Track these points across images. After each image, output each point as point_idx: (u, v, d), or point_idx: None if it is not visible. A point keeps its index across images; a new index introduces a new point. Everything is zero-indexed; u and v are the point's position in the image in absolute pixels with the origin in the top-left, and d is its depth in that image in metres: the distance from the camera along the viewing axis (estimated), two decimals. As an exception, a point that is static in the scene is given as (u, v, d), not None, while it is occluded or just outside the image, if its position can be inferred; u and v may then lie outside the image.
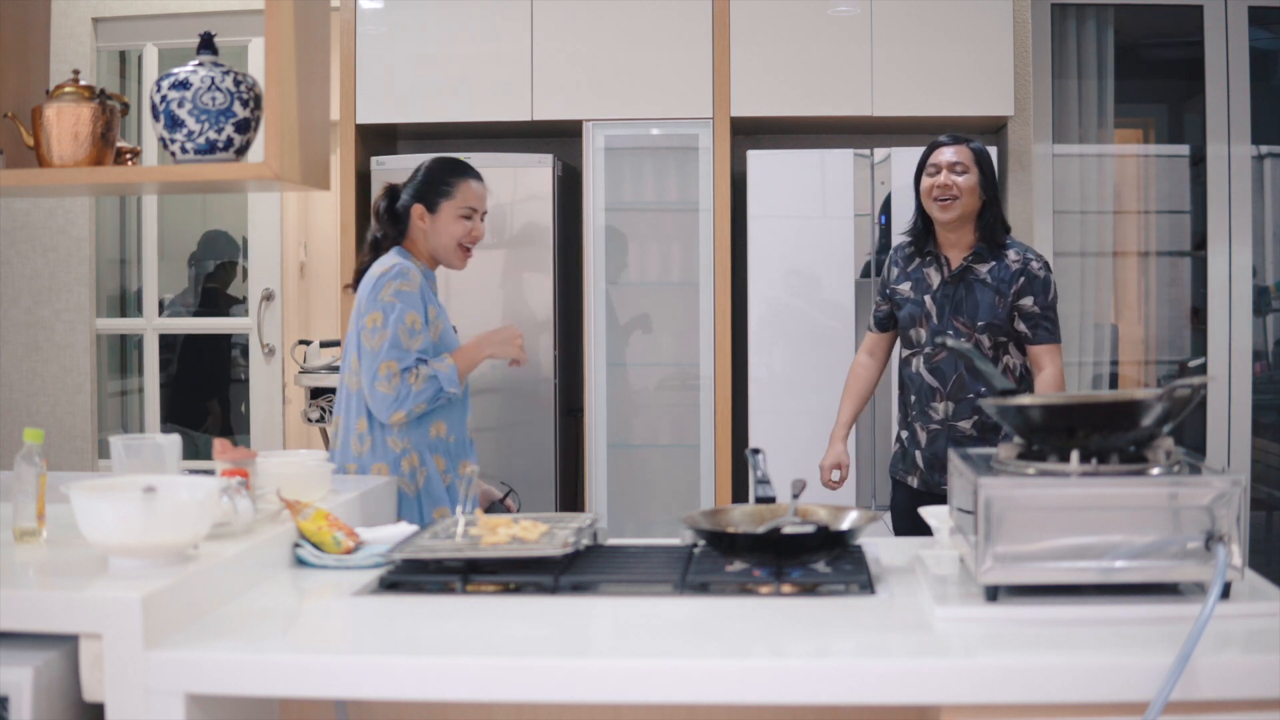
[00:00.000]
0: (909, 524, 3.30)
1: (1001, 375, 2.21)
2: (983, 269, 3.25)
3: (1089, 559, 1.78)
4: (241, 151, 2.58)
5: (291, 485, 2.37)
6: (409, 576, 2.04)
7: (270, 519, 2.27)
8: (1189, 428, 4.91)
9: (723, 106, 4.45)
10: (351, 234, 4.59)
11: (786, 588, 1.97)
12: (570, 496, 4.78)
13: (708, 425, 4.49)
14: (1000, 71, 4.40)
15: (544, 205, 4.57)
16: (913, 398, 3.35)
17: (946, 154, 3.26)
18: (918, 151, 3.38)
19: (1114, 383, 5.12)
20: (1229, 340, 4.87)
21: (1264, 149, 4.96)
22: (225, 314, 5.64)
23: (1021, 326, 3.23)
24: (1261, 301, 5.01)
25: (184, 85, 2.51)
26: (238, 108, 2.53)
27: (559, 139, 4.82)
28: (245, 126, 2.56)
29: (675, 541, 2.26)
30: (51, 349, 5.09)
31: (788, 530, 2.04)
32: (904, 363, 3.38)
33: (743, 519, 2.19)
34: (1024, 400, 1.98)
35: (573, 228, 4.70)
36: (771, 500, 2.21)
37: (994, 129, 4.69)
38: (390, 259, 3.02)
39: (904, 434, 3.41)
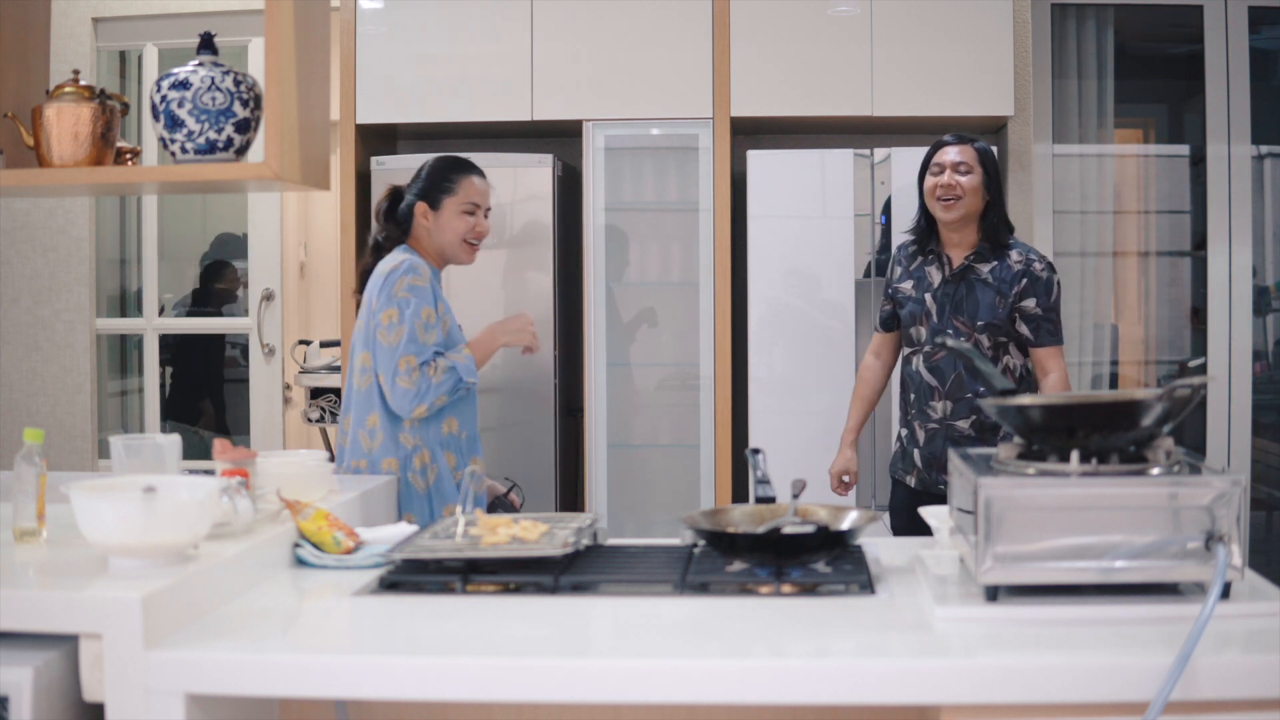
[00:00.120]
0: (907, 523, 3.30)
1: (1001, 375, 2.21)
2: (984, 269, 3.25)
3: (1089, 559, 1.78)
4: (241, 151, 2.58)
5: (291, 485, 2.37)
6: (409, 576, 2.04)
7: (270, 519, 2.27)
8: (1189, 428, 4.91)
9: (723, 106, 4.45)
10: (352, 234, 4.59)
11: (786, 588, 1.97)
12: (570, 496, 4.78)
13: (708, 425, 4.49)
14: (1000, 71, 4.40)
15: (544, 205, 4.57)
16: (912, 396, 3.35)
17: (950, 153, 3.25)
18: (917, 151, 3.38)
19: (1114, 383, 5.12)
20: (1229, 340, 4.87)
21: (1264, 149, 4.96)
22: (219, 313, 5.65)
23: (1023, 329, 3.23)
24: (1261, 301, 5.01)
25: (184, 85, 2.52)
26: (238, 108, 2.54)
27: (559, 139, 4.82)
28: (245, 126, 2.56)
29: (675, 541, 2.26)
30: (51, 349, 5.09)
31: (788, 530, 2.04)
32: (905, 361, 3.39)
33: (743, 519, 2.19)
34: (1024, 400, 1.98)
35: (573, 228, 4.70)
36: (771, 500, 2.21)
37: (994, 129, 4.69)
38: (398, 255, 3.02)
39: (903, 432, 3.42)
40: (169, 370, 5.72)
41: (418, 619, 1.89)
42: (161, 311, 5.42)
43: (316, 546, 2.20)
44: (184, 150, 2.54)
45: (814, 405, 4.39)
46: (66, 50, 4.91)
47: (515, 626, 1.84)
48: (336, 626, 1.93)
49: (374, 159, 4.58)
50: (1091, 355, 4.98)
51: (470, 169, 3.13)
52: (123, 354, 5.62)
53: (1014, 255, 3.26)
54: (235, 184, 3.07)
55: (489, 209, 3.15)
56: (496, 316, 4.53)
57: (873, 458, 4.38)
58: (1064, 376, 3.25)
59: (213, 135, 2.52)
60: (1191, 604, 1.79)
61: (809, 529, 2.06)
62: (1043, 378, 3.25)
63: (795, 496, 2.17)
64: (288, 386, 5.34)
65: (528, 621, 1.86)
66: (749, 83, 4.45)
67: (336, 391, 5.04)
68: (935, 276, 3.30)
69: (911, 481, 3.36)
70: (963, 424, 3.25)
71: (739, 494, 4.47)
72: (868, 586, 1.97)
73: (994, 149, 3.39)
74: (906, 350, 3.38)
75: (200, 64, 2.54)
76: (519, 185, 4.58)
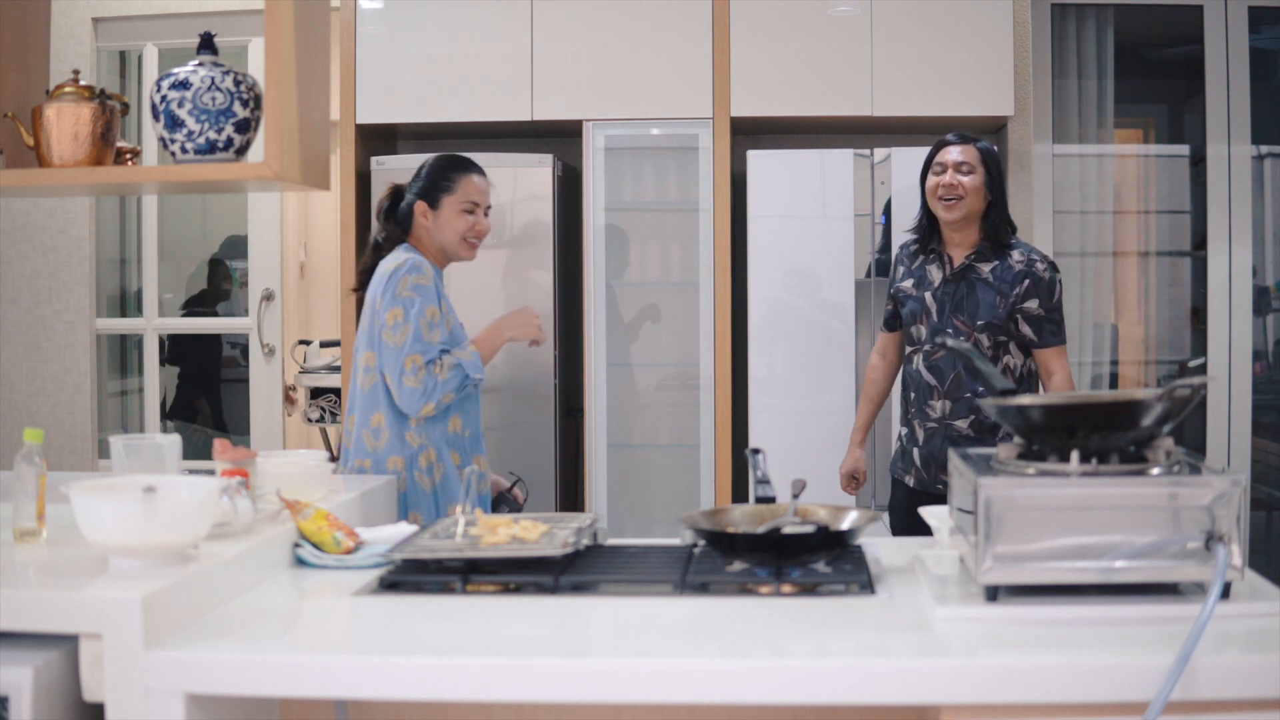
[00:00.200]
0: (906, 523, 3.30)
1: (1001, 375, 2.21)
2: (985, 268, 3.25)
3: (1089, 559, 1.78)
4: (241, 151, 2.58)
5: (291, 485, 2.37)
6: (409, 576, 2.04)
7: (270, 519, 2.27)
8: (1189, 428, 4.91)
9: (723, 106, 4.45)
10: (352, 234, 4.59)
11: (786, 588, 1.97)
12: (570, 496, 4.78)
13: (708, 425, 4.49)
14: (1000, 71, 4.40)
15: (544, 205, 4.57)
16: (912, 395, 3.35)
17: (953, 153, 3.25)
18: (917, 151, 3.38)
19: (1114, 383, 5.12)
20: (1229, 340, 4.87)
21: (1264, 149, 4.96)
22: (214, 312, 5.66)
23: (1027, 330, 3.23)
24: (1261, 301, 5.01)
25: (184, 85, 2.52)
26: (238, 108, 2.54)
27: (559, 139, 4.82)
28: (245, 126, 2.56)
29: (675, 541, 2.26)
30: (51, 349, 5.09)
31: (788, 530, 2.04)
32: (906, 360, 3.39)
33: (743, 519, 2.19)
34: (1024, 400, 1.98)
35: (573, 228, 4.70)
36: (771, 500, 2.21)
37: (994, 129, 4.69)
38: (400, 254, 3.02)
39: (903, 432, 3.42)
40: (176, 370, 5.73)
41: (418, 619, 1.89)
42: (166, 311, 5.42)
43: (316, 546, 2.20)
44: (184, 150, 2.54)
45: (814, 405, 4.39)
46: (66, 50, 4.91)
47: (515, 626, 1.84)
48: (336, 626, 1.93)
49: (374, 159, 4.58)
50: (1091, 355, 4.98)
51: (469, 167, 3.13)
52: (123, 354, 5.62)
53: (1016, 255, 3.26)
54: (235, 184, 3.07)
55: (489, 207, 3.15)
56: (497, 316, 4.54)
57: (873, 457, 4.38)
58: (1068, 377, 3.26)
59: (213, 135, 2.52)
60: (1191, 604, 1.79)
61: (809, 529, 2.06)
62: (1047, 379, 3.26)
63: (795, 496, 2.17)
64: (293, 388, 5.34)
65: (528, 621, 1.86)
66: (749, 83, 4.45)
67: (336, 391, 5.04)
68: (936, 275, 3.30)
69: (910, 481, 3.36)
70: (961, 424, 3.25)
71: (739, 494, 4.47)
72: (868, 586, 1.97)
73: (996, 148, 3.38)
74: (908, 349, 3.38)
75: (200, 64, 2.54)
76: (519, 185, 4.58)
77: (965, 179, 3.23)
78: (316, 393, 5.13)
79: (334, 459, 2.94)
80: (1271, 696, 1.61)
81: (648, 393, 4.60)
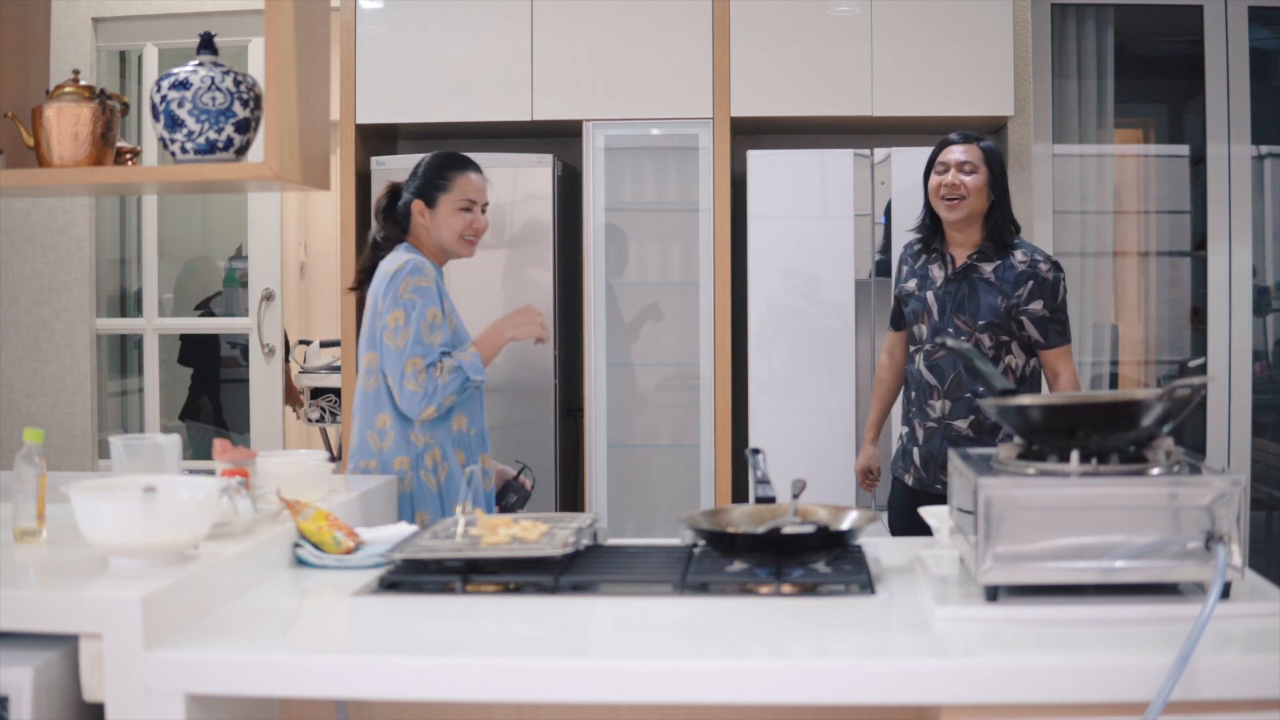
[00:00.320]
0: (905, 522, 3.30)
1: (1001, 375, 2.21)
2: (987, 268, 3.25)
3: (1089, 559, 1.78)
4: (241, 151, 2.58)
5: (291, 485, 2.37)
6: (409, 576, 2.04)
7: (270, 519, 2.27)
8: (1189, 428, 4.91)
9: (723, 106, 4.45)
10: (352, 234, 4.59)
11: (786, 588, 1.97)
12: (570, 496, 4.78)
13: (708, 425, 4.49)
14: (1000, 71, 4.40)
15: (544, 205, 4.57)
16: (913, 395, 3.36)
17: (955, 153, 3.25)
18: (917, 151, 3.39)
19: (1114, 383, 5.11)
20: (1229, 340, 4.87)
21: (1264, 149, 4.96)
22: (210, 312, 5.66)
23: (1032, 332, 3.23)
24: (1261, 301, 5.01)
25: (184, 85, 2.52)
26: (238, 108, 2.54)
27: (559, 139, 4.82)
28: (245, 126, 2.56)
29: (675, 541, 2.26)
30: (51, 349, 5.09)
31: (788, 530, 2.04)
32: (909, 359, 3.39)
33: (743, 519, 2.19)
34: (1024, 400, 1.98)
35: (573, 228, 4.70)
36: (771, 500, 2.21)
37: (994, 129, 4.69)
38: (401, 255, 3.01)
39: (904, 431, 3.42)
40: (190, 371, 5.74)
41: (418, 619, 1.89)
42: (166, 311, 5.42)
43: (316, 546, 2.20)
44: (184, 150, 2.54)
45: (814, 405, 4.39)
46: (66, 50, 4.91)
47: (515, 626, 1.84)
48: (336, 626, 1.93)
49: (374, 159, 4.58)
50: (1091, 355, 4.98)
51: (465, 165, 3.12)
52: (123, 354, 5.62)
53: (1018, 255, 3.25)
54: (235, 184, 3.07)
55: (486, 205, 3.14)
56: (497, 316, 4.54)
57: (882, 456, 4.38)
58: (1074, 377, 3.26)
59: (213, 135, 2.52)
60: (1191, 604, 1.79)
61: (809, 529, 2.06)
62: (1053, 379, 3.27)
63: (795, 496, 2.17)
64: (300, 391, 5.34)
65: (528, 621, 1.86)
66: (749, 83, 4.45)
67: (337, 391, 5.04)
68: (938, 275, 3.30)
69: (909, 480, 3.36)
70: (961, 424, 3.25)
71: (739, 494, 4.47)
72: (868, 586, 1.97)
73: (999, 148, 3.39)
74: (911, 348, 3.38)
75: (200, 64, 2.54)
76: (519, 185, 4.58)
77: (968, 179, 3.23)
78: (316, 393, 5.14)
79: (334, 459, 2.94)
80: (1271, 696, 1.61)
81: (648, 393, 4.60)
